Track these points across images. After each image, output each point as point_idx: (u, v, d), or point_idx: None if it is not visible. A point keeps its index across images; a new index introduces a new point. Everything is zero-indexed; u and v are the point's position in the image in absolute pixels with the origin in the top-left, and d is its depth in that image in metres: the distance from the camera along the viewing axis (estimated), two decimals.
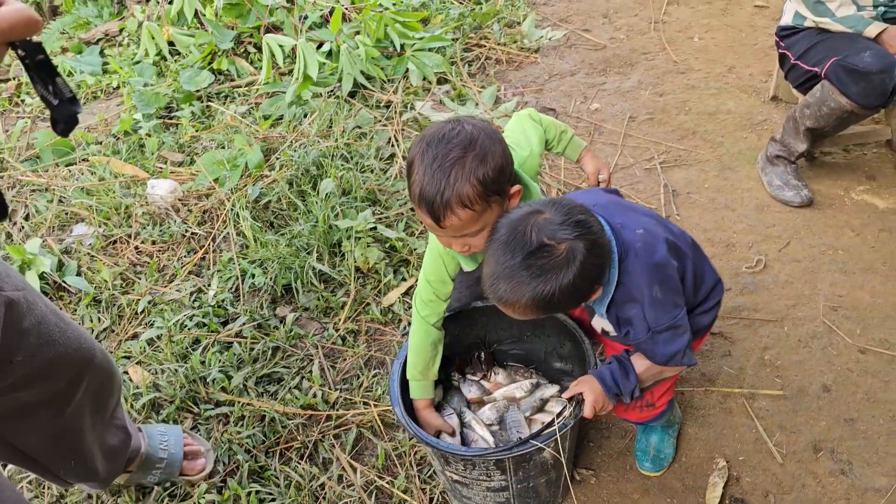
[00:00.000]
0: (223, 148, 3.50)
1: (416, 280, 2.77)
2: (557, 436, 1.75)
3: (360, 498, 2.13)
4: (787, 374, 2.41)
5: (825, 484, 2.11)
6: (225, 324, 2.74)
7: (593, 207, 1.65)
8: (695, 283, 1.79)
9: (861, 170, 3.19)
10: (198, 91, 4.01)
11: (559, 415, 1.78)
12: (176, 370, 2.51)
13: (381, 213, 3.06)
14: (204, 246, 3.06)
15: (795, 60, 2.86)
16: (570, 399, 1.80)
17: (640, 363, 1.78)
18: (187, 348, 2.62)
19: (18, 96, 4.42)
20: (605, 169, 2.16)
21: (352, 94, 3.82)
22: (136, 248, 3.10)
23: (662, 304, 1.65)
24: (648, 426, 2.18)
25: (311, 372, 2.53)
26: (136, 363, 2.58)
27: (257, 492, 2.17)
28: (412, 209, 3.10)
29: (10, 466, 2.26)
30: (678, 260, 1.71)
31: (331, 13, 4.04)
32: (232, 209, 3.11)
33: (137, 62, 4.38)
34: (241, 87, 4.06)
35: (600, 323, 1.81)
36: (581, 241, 1.48)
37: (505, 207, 1.69)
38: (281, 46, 3.81)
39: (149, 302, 2.82)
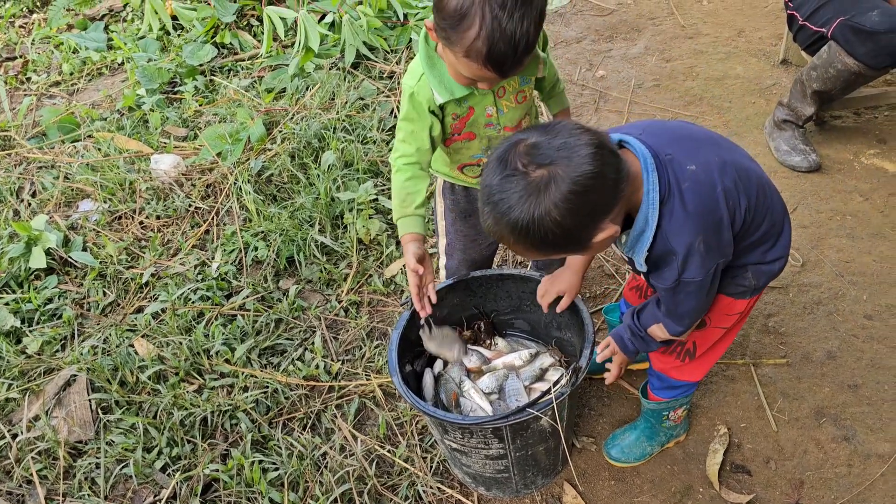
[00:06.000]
0: (226, 122, 3.50)
1: None
2: (554, 404, 1.75)
3: (361, 466, 2.15)
4: (791, 341, 2.39)
5: (827, 450, 2.10)
6: (229, 297, 2.75)
7: (640, 134, 1.46)
8: (744, 226, 1.53)
9: (871, 133, 3.14)
10: (201, 65, 4.00)
11: (556, 383, 1.77)
12: (180, 343, 2.53)
13: (383, 185, 3.05)
14: (207, 220, 3.07)
15: (803, 21, 2.80)
16: (567, 367, 1.79)
17: (656, 328, 1.70)
18: (191, 321, 2.64)
19: (24, 74, 4.42)
20: None
21: (354, 66, 3.79)
22: (141, 223, 3.11)
23: (703, 259, 1.44)
24: (642, 419, 2.13)
25: (313, 343, 2.54)
26: (142, 336, 2.60)
27: (260, 461, 2.19)
28: None
29: None
30: (737, 200, 1.46)
31: None
32: (235, 183, 3.11)
33: (141, 37, 4.37)
34: (243, 60, 4.05)
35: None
36: (564, 167, 1.27)
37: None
38: (283, 18, 3.79)
39: (152, 275, 2.84)
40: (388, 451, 2.21)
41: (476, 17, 1.49)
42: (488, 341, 2.27)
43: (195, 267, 2.86)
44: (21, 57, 4.59)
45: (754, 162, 1.58)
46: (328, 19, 3.98)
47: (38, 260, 2.86)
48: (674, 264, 1.45)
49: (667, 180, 1.40)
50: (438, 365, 2.21)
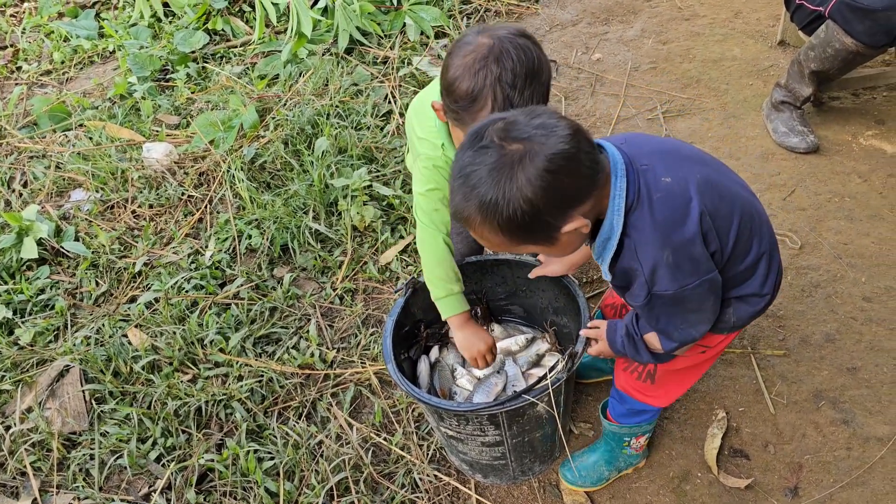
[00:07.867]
0: (218, 109, 3.46)
1: (414, 238, 2.75)
2: (550, 390, 1.73)
3: (357, 455, 2.13)
4: (789, 324, 2.37)
5: (826, 433, 2.09)
6: (222, 286, 2.73)
7: (622, 144, 1.41)
8: (731, 252, 1.46)
9: (870, 114, 3.10)
10: (193, 52, 3.96)
11: (552, 369, 1.75)
12: (174, 332, 2.51)
13: (377, 171, 3.02)
14: (200, 208, 3.04)
15: (801, 0, 2.76)
16: (563, 352, 1.77)
17: (651, 336, 1.59)
18: (185, 311, 2.61)
19: (15, 63, 4.37)
20: None
21: (348, 51, 3.75)
22: (133, 212, 3.08)
23: (674, 270, 1.37)
24: (603, 441, 2.05)
25: (308, 332, 2.52)
26: (135, 326, 2.58)
27: (255, 451, 2.18)
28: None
29: None
30: (712, 220, 1.39)
31: None
32: (228, 170, 3.08)
33: (133, 25, 4.33)
34: (236, 47, 4.00)
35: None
36: (541, 144, 1.23)
37: None
38: (275, 4, 3.75)
39: (145, 265, 2.81)
40: (385, 440, 2.19)
41: (488, 98, 1.52)
42: (485, 327, 2.25)
43: (188, 256, 2.84)
44: (11, 46, 4.54)
45: (748, 190, 1.52)
46: (321, 4, 3.93)
47: (30, 250, 2.83)
48: (641, 278, 1.39)
49: (636, 189, 1.36)
50: (434, 353, 2.19)
